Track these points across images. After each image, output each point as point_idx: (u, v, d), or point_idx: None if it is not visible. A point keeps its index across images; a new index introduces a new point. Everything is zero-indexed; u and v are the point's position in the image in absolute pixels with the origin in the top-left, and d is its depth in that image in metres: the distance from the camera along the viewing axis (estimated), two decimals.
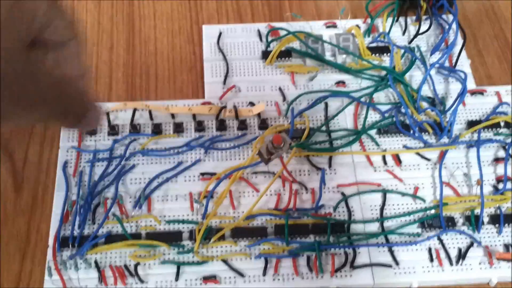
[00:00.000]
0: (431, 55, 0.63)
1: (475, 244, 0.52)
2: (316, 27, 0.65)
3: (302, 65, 0.62)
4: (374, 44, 0.63)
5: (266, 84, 0.60)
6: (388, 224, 0.53)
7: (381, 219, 0.53)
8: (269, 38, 0.63)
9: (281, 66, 0.61)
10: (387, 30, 0.64)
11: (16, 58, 0.29)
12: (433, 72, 0.61)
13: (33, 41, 0.34)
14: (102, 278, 0.49)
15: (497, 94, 0.60)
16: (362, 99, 0.59)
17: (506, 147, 0.56)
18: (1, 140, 0.56)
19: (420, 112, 0.58)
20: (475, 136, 0.57)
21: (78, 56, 0.36)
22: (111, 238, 0.51)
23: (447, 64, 0.62)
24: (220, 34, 0.64)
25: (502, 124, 0.58)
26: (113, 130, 0.56)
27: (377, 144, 0.57)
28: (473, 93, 0.60)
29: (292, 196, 0.53)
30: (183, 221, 0.52)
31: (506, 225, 0.53)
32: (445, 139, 0.57)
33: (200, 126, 0.57)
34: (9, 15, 0.29)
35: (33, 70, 0.31)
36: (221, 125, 0.57)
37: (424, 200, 0.54)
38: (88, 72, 0.39)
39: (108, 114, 0.57)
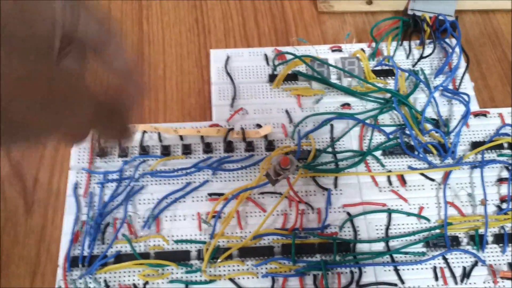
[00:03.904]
0: (435, 78, 0.64)
1: (479, 263, 0.52)
2: (322, 51, 0.66)
3: (308, 88, 0.63)
4: (378, 68, 0.64)
5: (273, 107, 0.61)
6: (393, 243, 0.53)
7: (387, 238, 0.53)
8: (276, 62, 0.64)
9: (287, 89, 0.63)
10: (391, 54, 0.65)
11: (43, 60, 0.29)
12: (437, 94, 0.62)
13: (68, 44, 0.34)
14: None
15: (500, 116, 0.61)
16: (367, 121, 0.60)
17: (510, 167, 0.57)
18: (13, 163, 0.57)
19: (424, 134, 0.59)
20: (479, 157, 0.58)
21: (121, 52, 0.37)
22: (120, 258, 0.51)
23: (450, 86, 0.63)
24: (227, 58, 0.65)
25: (505, 145, 0.59)
26: (122, 152, 0.57)
27: (382, 165, 0.58)
28: (476, 115, 0.61)
29: (298, 216, 0.54)
30: (191, 241, 0.53)
31: (510, 244, 0.53)
32: (449, 160, 0.58)
33: (208, 148, 0.58)
34: (20, 15, 0.28)
35: (65, 74, 0.31)
36: (229, 147, 0.58)
37: (428, 220, 0.54)
38: (135, 65, 0.39)
39: None
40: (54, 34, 0.31)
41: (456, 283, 0.51)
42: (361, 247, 0.53)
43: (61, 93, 0.30)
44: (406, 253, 0.53)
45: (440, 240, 0.53)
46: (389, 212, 0.55)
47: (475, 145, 0.59)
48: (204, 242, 0.52)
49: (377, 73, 0.64)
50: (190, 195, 0.55)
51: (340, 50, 0.66)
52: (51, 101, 0.29)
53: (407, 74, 0.63)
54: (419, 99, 0.62)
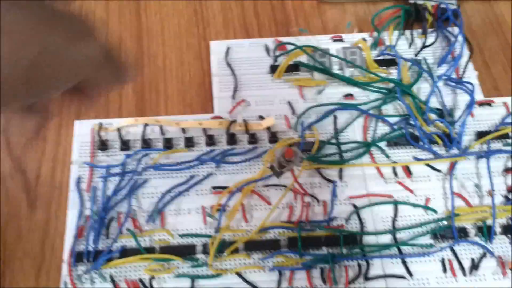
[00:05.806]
0: (438, 67, 0.63)
1: (487, 255, 0.52)
2: (323, 41, 0.65)
3: (310, 78, 0.62)
4: (381, 57, 0.64)
5: (275, 98, 0.61)
6: (400, 235, 0.53)
7: (393, 230, 0.53)
8: (277, 53, 0.64)
9: (289, 80, 0.62)
10: (393, 43, 0.65)
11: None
12: (440, 84, 0.62)
13: None
14: None
15: (505, 105, 0.61)
16: (371, 112, 0.59)
17: None
18: (14, 158, 0.56)
19: (429, 124, 0.58)
20: (485, 146, 0.58)
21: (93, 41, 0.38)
22: (125, 252, 0.51)
23: (454, 76, 0.62)
24: (227, 49, 0.64)
25: (511, 134, 0.58)
26: (125, 145, 0.56)
27: (387, 156, 0.57)
28: (481, 104, 0.61)
29: (304, 209, 0.54)
30: (196, 235, 0.52)
31: None
32: (454, 150, 0.57)
33: (211, 140, 0.57)
34: None
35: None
36: (232, 139, 0.57)
37: (435, 211, 0.54)
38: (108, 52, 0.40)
39: (119, 129, 0.57)
40: None
41: (464, 274, 0.51)
42: (368, 239, 0.53)
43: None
44: (414, 245, 0.52)
45: (448, 231, 0.53)
46: (395, 203, 0.54)
47: (480, 134, 0.58)
48: (209, 236, 0.52)
49: (379, 62, 0.63)
50: (194, 189, 0.55)
51: (341, 40, 0.66)
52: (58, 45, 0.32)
53: (409, 63, 0.63)
54: (423, 88, 0.62)
